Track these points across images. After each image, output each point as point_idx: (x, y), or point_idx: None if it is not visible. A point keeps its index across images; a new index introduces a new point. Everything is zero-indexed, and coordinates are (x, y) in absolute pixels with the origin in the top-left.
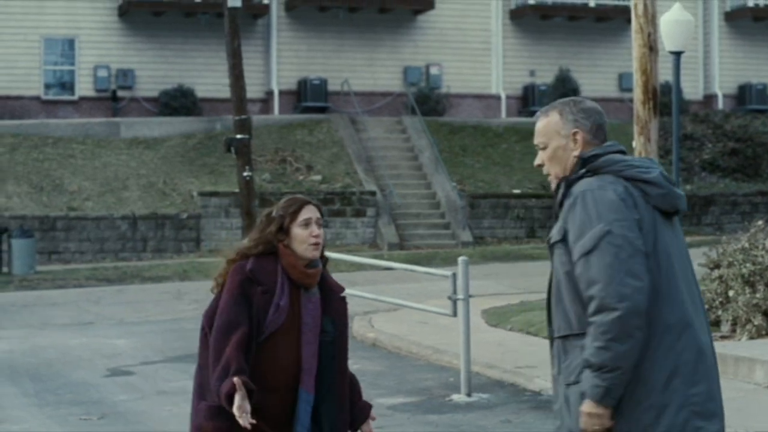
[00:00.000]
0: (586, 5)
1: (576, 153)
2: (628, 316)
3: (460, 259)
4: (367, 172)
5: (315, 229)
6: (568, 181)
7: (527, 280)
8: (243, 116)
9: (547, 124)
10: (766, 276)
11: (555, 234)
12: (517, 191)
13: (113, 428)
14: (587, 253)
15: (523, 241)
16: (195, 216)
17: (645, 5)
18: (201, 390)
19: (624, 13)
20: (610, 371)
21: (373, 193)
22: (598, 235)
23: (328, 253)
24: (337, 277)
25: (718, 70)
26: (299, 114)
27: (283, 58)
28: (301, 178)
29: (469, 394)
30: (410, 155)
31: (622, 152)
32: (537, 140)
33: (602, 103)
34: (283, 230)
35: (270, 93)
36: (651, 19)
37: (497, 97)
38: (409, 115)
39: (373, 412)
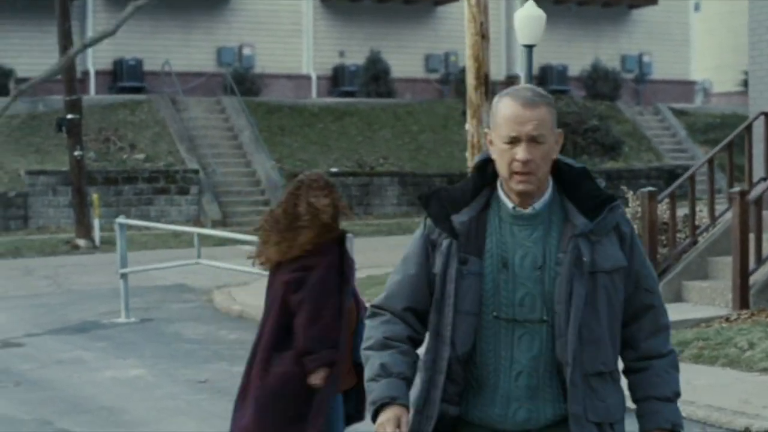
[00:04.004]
0: None
1: (554, 157)
2: None
3: None
4: (190, 151)
5: None
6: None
7: (360, 255)
8: (74, 96)
9: (545, 116)
10: None
11: (619, 259)
12: (334, 169)
13: (35, 394)
14: (656, 282)
15: None
16: (23, 194)
17: None
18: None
19: None
20: None
21: (196, 172)
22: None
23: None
24: (175, 252)
25: (520, 51)
26: (115, 94)
27: None
28: (125, 156)
29: None
30: (230, 134)
31: None
32: (536, 131)
33: (410, 83)
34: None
35: (86, 73)
36: (483, 9)
37: (308, 78)
38: (226, 95)
39: None
